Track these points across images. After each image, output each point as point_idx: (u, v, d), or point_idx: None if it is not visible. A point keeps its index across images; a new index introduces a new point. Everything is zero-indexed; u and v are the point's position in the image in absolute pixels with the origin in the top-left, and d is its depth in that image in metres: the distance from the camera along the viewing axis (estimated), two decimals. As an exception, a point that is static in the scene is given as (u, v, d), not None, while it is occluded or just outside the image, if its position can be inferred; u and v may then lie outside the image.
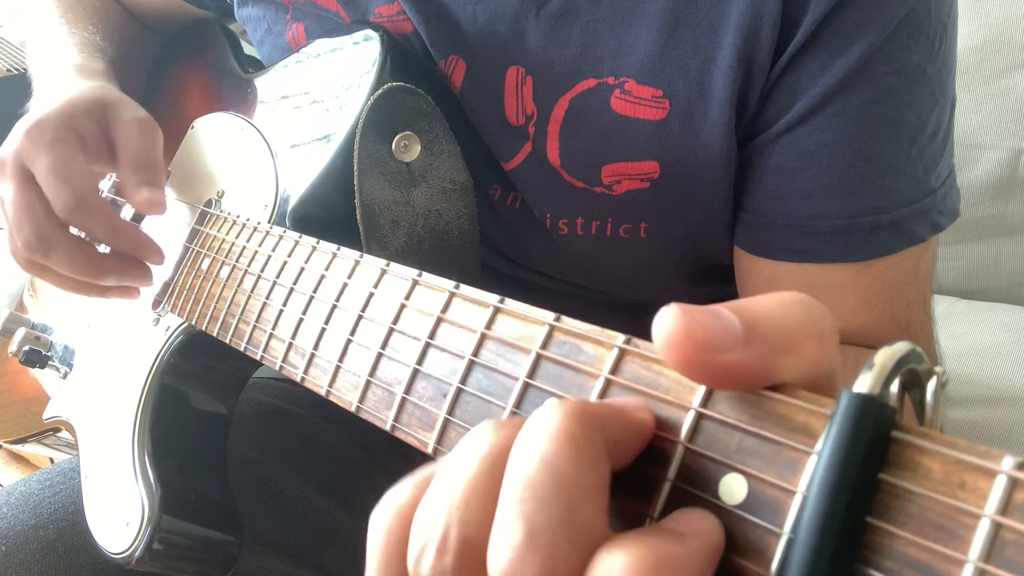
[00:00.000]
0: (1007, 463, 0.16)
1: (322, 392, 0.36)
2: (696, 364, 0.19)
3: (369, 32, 0.51)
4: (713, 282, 0.58)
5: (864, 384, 0.18)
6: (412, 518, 0.21)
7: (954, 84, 0.49)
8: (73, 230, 0.60)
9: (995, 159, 0.88)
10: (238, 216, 0.50)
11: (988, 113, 0.88)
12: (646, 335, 0.24)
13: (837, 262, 0.48)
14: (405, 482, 0.23)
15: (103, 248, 0.64)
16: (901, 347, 0.18)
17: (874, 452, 0.17)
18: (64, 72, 0.62)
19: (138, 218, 0.66)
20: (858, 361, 0.47)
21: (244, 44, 0.73)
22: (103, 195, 0.68)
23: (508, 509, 0.19)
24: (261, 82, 0.61)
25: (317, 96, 0.53)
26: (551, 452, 0.19)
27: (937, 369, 0.19)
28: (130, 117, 0.56)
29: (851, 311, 0.49)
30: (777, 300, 0.20)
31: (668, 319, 0.19)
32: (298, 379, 0.37)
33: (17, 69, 1.33)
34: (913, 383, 0.19)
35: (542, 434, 0.19)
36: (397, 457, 0.71)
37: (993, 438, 0.78)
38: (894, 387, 0.18)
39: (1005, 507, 0.15)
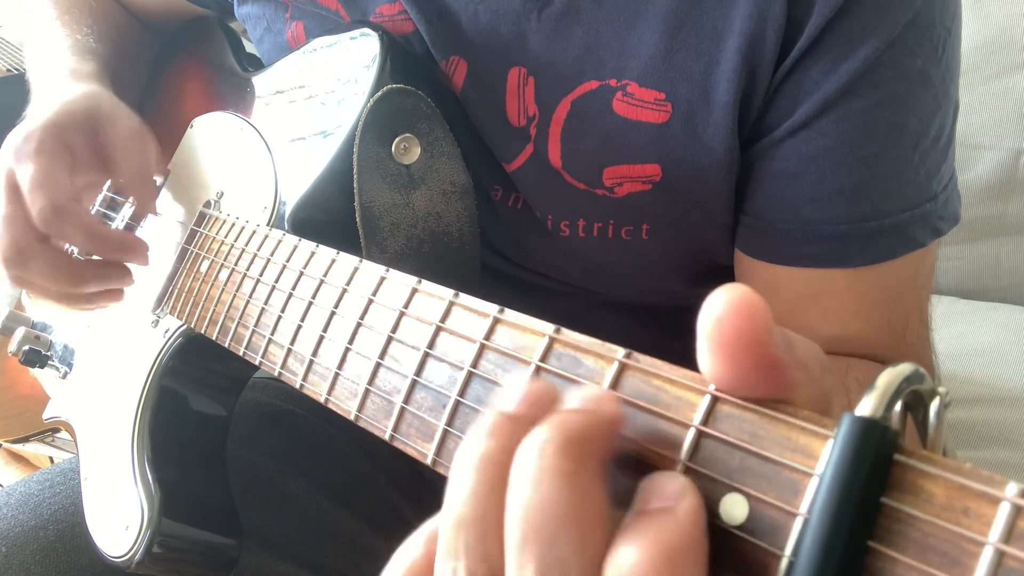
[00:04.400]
0: (1011, 490, 0.15)
1: (321, 399, 0.36)
2: (751, 341, 0.19)
3: (367, 29, 0.50)
4: (714, 284, 0.57)
5: (867, 407, 0.17)
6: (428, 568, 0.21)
7: (957, 89, 0.49)
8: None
9: (995, 159, 0.88)
10: (237, 218, 0.50)
11: (988, 113, 0.87)
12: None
13: (837, 267, 0.48)
14: (416, 535, 0.23)
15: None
16: (904, 369, 0.18)
17: (876, 475, 0.17)
18: (56, 78, 0.62)
19: (136, 217, 0.65)
20: (846, 375, 0.47)
21: (245, 42, 0.73)
22: (99, 200, 0.68)
23: (518, 551, 0.19)
24: (260, 80, 0.61)
25: (313, 91, 0.53)
26: (551, 494, 0.19)
27: (940, 390, 0.19)
28: (123, 129, 0.56)
29: (849, 317, 0.49)
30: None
31: (738, 288, 0.19)
32: (297, 385, 0.37)
33: (17, 69, 1.33)
34: (916, 403, 0.19)
35: (538, 477, 0.19)
36: (397, 458, 0.71)
37: (993, 438, 0.78)
38: (897, 407, 0.18)
39: (1009, 535, 0.15)
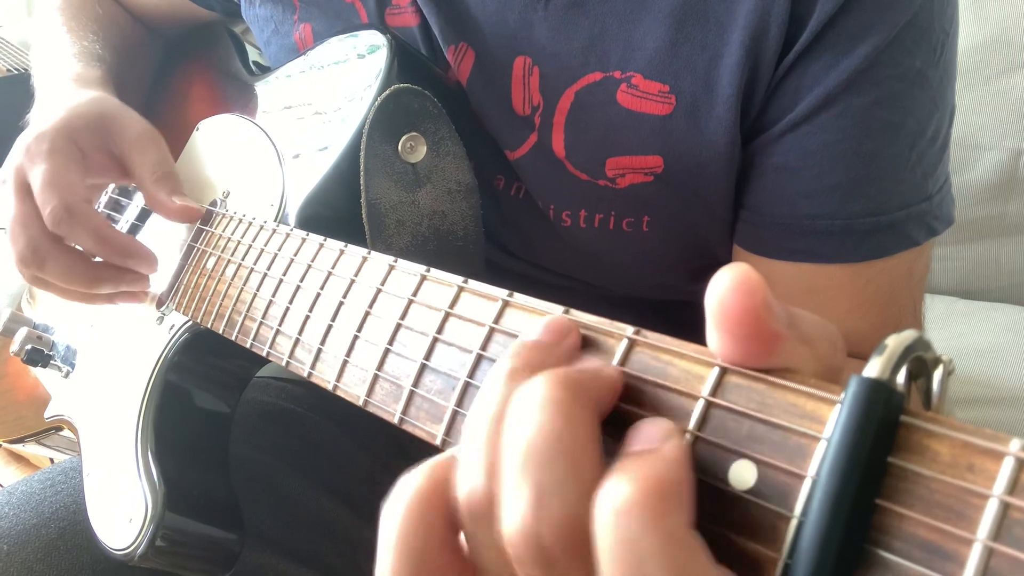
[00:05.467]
0: (1015, 445, 0.16)
1: (329, 387, 0.36)
2: (753, 317, 0.20)
3: (376, 40, 0.51)
4: None
5: (874, 369, 0.18)
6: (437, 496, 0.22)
7: (954, 93, 0.50)
8: None
9: (995, 159, 0.89)
10: (244, 215, 0.50)
11: (988, 113, 0.88)
12: (647, 329, 0.24)
13: (833, 262, 0.48)
14: (417, 470, 0.23)
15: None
16: (909, 335, 0.18)
17: (883, 436, 0.17)
18: (62, 83, 0.63)
19: (142, 217, 0.66)
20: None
21: (250, 48, 0.73)
22: (103, 203, 0.69)
23: (513, 474, 0.20)
24: (267, 87, 0.62)
25: (320, 108, 0.54)
26: (545, 419, 0.20)
27: (944, 358, 0.19)
28: (138, 130, 0.56)
29: (844, 313, 0.49)
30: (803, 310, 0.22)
31: (740, 267, 0.20)
32: (305, 374, 0.38)
33: (17, 69, 1.33)
34: (920, 371, 0.19)
35: (534, 405, 0.21)
36: (398, 457, 0.71)
37: (993, 439, 0.78)
38: (902, 374, 0.19)
39: (1013, 487, 0.16)
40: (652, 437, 0.20)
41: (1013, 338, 0.85)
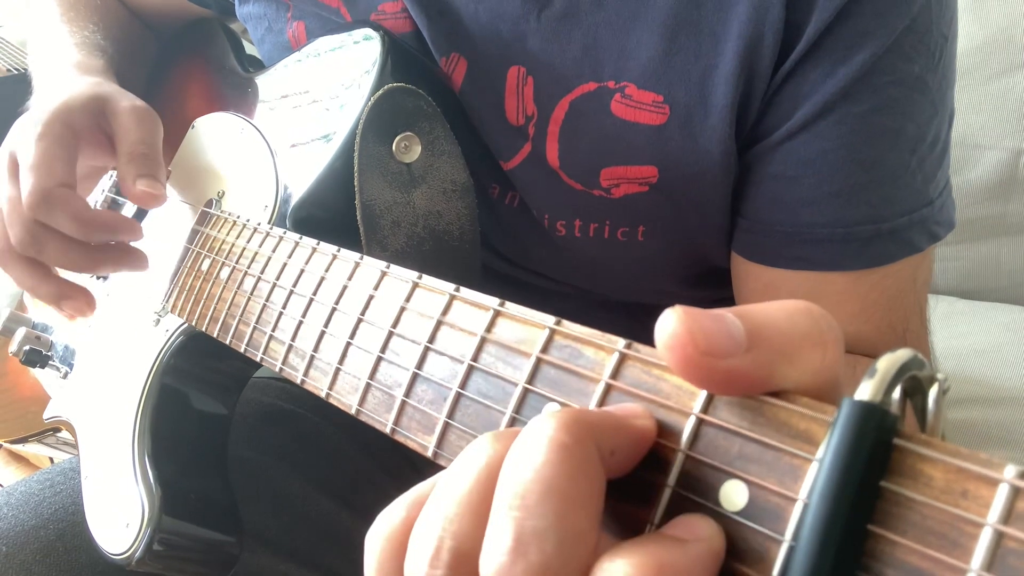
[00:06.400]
0: (1009, 472, 0.16)
1: (322, 394, 0.36)
2: (696, 368, 0.19)
3: (369, 31, 0.51)
4: (712, 285, 0.58)
5: (866, 392, 0.18)
6: (406, 535, 0.21)
7: (953, 97, 0.50)
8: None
9: (995, 159, 0.88)
10: (238, 217, 0.50)
11: (988, 113, 0.88)
12: (644, 337, 0.24)
13: (835, 270, 0.48)
14: (398, 501, 0.23)
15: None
16: (903, 354, 0.18)
17: (876, 460, 0.17)
18: (64, 70, 0.62)
19: (140, 215, 0.65)
20: (855, 369, 0.47)
21: (245, 43, 0.73)
22: (104, 193, 0.68)
23: (498, 517, 0.19)
24: (261, 81, 0.61)
25: (317, 95, 0.53)
26: (540, 461, 0.19)
27: (939, 376, 0.19)
28: (126, 106, 0.55)
29: (848, 319, 0.49)
30: (783, 307, 0.20)
31: (671, 321, 0.19)
32: (298, 381, 0.37)
33: (17, 69, 1.33)
34: (915, 389, 0.19)
35: (533, 444, 0.19)
36: (398, 457, 0.71)
37: (993, 438, 0.78)
38: (896, 394, 0.18)
39: (1007, 516, 0.15)
40: (692, 529, 0.19)
41: (1013, 338, 0.85)
